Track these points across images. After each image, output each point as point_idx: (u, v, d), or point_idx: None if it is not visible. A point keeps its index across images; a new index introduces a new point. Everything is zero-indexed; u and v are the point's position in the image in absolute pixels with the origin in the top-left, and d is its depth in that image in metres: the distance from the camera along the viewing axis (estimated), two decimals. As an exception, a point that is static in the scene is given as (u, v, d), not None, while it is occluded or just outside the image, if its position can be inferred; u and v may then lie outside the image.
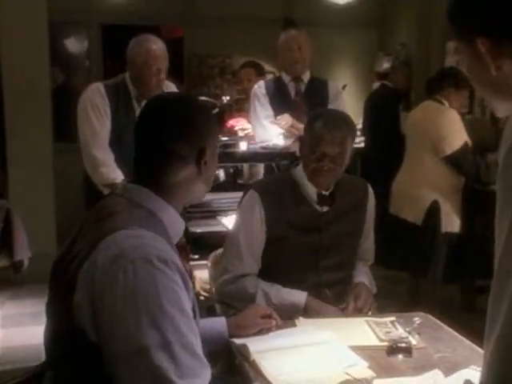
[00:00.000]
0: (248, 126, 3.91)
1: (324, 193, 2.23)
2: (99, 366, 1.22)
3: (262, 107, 3.63)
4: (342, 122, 2.19)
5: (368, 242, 2.40)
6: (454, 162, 3.70)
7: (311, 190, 2.23)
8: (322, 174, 2.17)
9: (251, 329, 1.85)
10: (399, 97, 5.68)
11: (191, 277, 1.67)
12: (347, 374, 1.58)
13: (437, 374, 1.55)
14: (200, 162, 1.43)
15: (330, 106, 3.46)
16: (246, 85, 4.73)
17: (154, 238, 1.27)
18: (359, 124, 6.34)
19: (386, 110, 5.58)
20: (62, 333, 1.28)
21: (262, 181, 2.88)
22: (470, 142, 3.75)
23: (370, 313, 2.21)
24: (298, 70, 3.59)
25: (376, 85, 6.64)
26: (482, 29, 1.02)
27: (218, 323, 1.85)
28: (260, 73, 4.83)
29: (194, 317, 1.35)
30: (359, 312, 2.16)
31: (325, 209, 2.24)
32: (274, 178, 2.60)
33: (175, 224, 1.42)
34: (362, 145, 6.08)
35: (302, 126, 3.44)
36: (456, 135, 3.68)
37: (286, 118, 3.52)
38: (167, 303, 1.20)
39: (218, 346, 1.80)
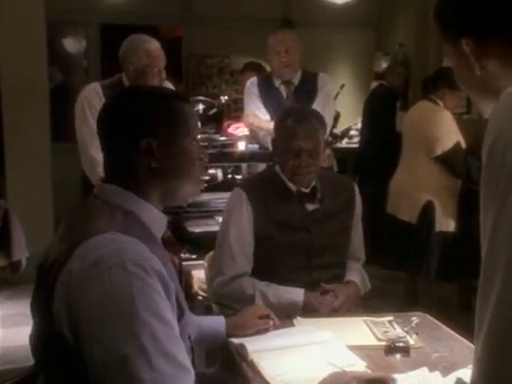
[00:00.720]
0: (246, 129, 3.91)
1: (304, 190, 2.24)
2: (84, 369, 1.20)
3: (255, 106, 3.64)
4: (311, 115, 2.25)
5: (357, 240, 2.40)
6: (445, 162, 3.73)
7: (292, 189, 2.24)
8: (301, 170, 2.18)
9: (249, 329, 1.85)
10: (396, 96, 5.69)
11: (181, 271, 1.64)
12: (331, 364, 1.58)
13: (423, 371, 1.56)
14: (141, 154, 1.33)
15: (318, 98, 3.47)
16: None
17: (132, 242, 1.24)
18: (357, 124, 6.36)
19: (383, 110, 5.59)
20: (44, 337, 1.27)
21: (248, 179, 2.88)
22: (463, 143, 3.77)
23: (351, 310, 2.22)
24: (287, 75, 3.56)
25: (374, 85, 6.65)
26: (465, 29, 1.04)
27: (217, 322, 1.85)
28: (262, 73, 4.81)
29: (180, 319, 1.32)
30: (335, 311, 2.16)
31: (310, 207, 2.25)
32: (259, 175, 2.60)
33: (156, 220, 1.38)
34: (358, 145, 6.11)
35: (264, 124, 3.50)
36: (447, 136, 3.70)
37: (250, 116, 3.58)
38: (143, 310, 1.17)
39: (216, 344, 1.80)
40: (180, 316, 1.32)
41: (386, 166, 4.21)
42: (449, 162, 3.72)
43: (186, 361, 1.24)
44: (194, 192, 1.47)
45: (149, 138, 1.34)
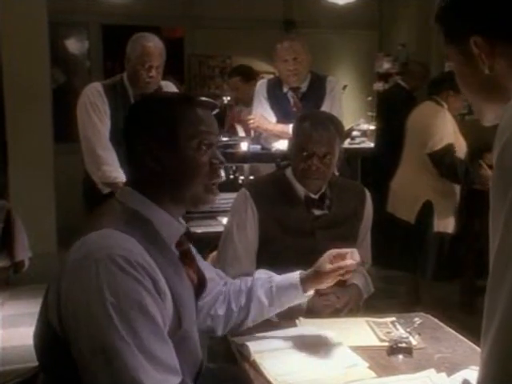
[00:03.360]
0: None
1: (313, 196, 2.24)
2: (73, 361, 1.23)
3: (262, 109, 3.64)
4: (329, 122, 2.22)
5: (364, 245, 2.39)
6: (434, 162, 3.73)
7: (300, 193, 2.23)
8: (310, 174, 2.18)
9: (326, 282, 1.81)
10: (408, 98, 5.60)
11: (203, 281, 1.65)
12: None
13: (431, 372, 1.55)
14: (144, 157, 1.38)
15: (326, 102, 3.47)
16: (234, 94, 4.71)
17: (125, 240, 1.26)
18: (359, 125, 6.35)
19: (398, 110, 5.52)
20: (40, 329, 1.31)
21: (254, 180, 2.87)
22: (461, 146, 3.77)
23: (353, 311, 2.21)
24: (295, 82, 3.56)
25: (378, 85, 6.64)
26: (476, 27, 1.02)
27: (292, 280, 1.82)
28: (248, 78, 4.75)
29: (176, 331, 1.32)
30: (338, 312, 2.15)
31: (317, 212, 2.24)
32: (266, 177, 2.59)
33: (168, 226, 1.40)
34: (363, 145, 6.09)
35: (270, 127, 3.53)
36: (439, 137, 3.71)
37: (256, 117, 3.57)
38: (126, 304, 1.19)
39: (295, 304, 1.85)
40: (177, 326, 1.32)
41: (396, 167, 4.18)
42: (435, 162, 3.73)
43: (168, 360, 1.24)
44: (204, 197, 1.44)
45: (149, 141, 1.38)
